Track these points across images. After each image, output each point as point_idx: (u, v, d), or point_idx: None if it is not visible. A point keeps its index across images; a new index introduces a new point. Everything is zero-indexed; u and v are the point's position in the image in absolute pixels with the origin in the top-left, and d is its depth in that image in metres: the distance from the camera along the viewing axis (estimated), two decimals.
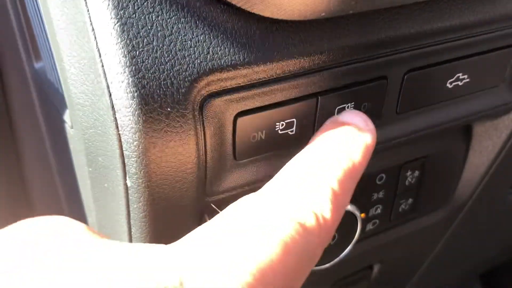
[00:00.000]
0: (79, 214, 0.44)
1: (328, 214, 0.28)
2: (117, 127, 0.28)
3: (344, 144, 0.31)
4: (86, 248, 0.23)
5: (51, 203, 0.57)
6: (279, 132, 0.34)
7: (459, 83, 0.41)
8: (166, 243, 0.32)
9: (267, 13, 0.29)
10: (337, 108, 0.36)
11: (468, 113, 0.44)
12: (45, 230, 0.24)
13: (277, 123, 0.34)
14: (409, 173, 0.48)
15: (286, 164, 0.31)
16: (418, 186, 0.49)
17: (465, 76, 0.41)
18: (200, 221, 0.37)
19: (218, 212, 0.27)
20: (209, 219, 0.27)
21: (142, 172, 0.29)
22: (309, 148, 0.32)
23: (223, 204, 0.37)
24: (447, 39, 0.38)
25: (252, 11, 0.29)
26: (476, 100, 0.44)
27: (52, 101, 0.43)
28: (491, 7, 0.38)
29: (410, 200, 0.50)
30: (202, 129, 0.31)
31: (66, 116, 0.38)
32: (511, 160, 0.54)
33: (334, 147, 0.31)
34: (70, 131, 0.38)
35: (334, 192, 0.29)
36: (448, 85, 0.41)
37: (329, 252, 0.44)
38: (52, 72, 0.40)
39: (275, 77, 0.32)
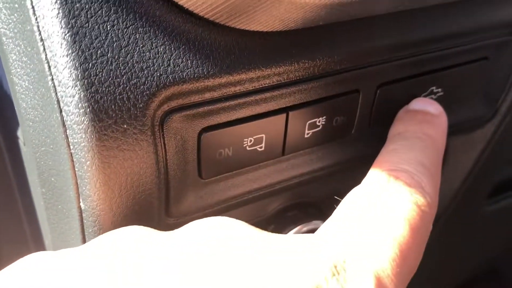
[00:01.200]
0: (38, 235, 0.41)
1: (429, 189, 0.30)
2: (68, 146, 0.26)
3: (427, 129, 0.33)
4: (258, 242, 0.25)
5: (12, 222, 0.54)
6: (247, 148, 0.33)
7: (433, 96, 0.40)
8: None
9: (236, 24, 0.28)
10: (308, 122, 0.34)
11: None
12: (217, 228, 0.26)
13: (245, 139, 0.32)
14: None
15: (378, 156, 0.33)
16: None
17: (439, 90, 0.40)
18: None
19: None
20: None
21: (96, 194, 0.27)
22: (396, 139, 0.33)
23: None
24: (420, 52, 0.37)
25: (220, 22, 0.28)
26: (450, 114, 0.43)
27: (7, 114, 0.40)
28: (464, 20, 0.38)
29: None
30: (163, 147, 0.28)
31: (19, 132, 0.35)
32: (486, 173, 0.53)
33: (421, 137, 0.33)
34: (23, 148, 0.35)
35: (428, 169, 0.31)
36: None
37: None
38: (6, 83, 0.37)
39: (241, 91, 0.30)
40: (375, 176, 0.31)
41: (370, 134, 0.39)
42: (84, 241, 0.30)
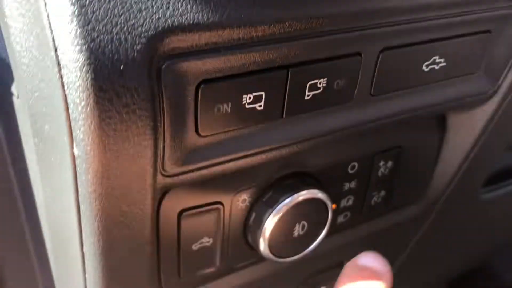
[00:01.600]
0: (30, 198, 0.40)
1: None
2: (62, 86, 0.25)
3: None
4: None
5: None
6: (246, 106, 0.32)
7: (435, 66, 0.40)
8: (117, 221, 0.29)
9: None
10: (309, 83, 0.34)
11: (444, 100, 0.42)
12: None
13: (244, 96, 0.31)
14: (382, 163, 0.46)
15: None
16: (391, 178, 0.47)
17: (442, 60, 0.40)
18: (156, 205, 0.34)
19: None
20: None
21: (90, 138, 0.26)
22: None
23: (182, 189, 0.34)
24: (425, 18, 0.36)
25: None
26: (452, 87, 0.42)
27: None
28: None
29: (383, 193, 0.48)
30: (160, 96, 0.28)
31: (13, 87, 0.35)
32: (484, 155, 0.53)
33: None
34: (16, 102, 0.34)
35: None
36: (424, 68, 0.39)
37: (299, 243, 0.42)
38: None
39: (242, 42, 0.29)
40: None
41: (372, 103, 0.38)
42: (76, 192, 0.29)
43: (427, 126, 0.48)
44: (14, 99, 0.35)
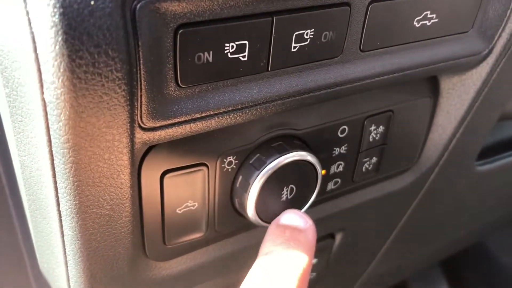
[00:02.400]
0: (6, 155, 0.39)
1: None
2: (29, 23, 0.24)
3: (293, 252, 0.34)
4: None
5: None
6: (229, 56, 0.30)
7: (427, 22, 0.38)
8: (94, 177, 0.28)
9: None
10: (295, 33, 0.32)
11: (435, 60, 0.41)
12: None
13: (226, 44, 0.30)
14: (373, 127, 0.44)
15: (244, 281, 0.33)
16: (383, 144, 0.46)
17: (433, 16, 0.38)
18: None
19: None
20: None
21: (60, 80, 0.24)
22: (262, 263, 0.34)
23: (165, 150, 0.33)
24: None
25: None
26: (444, 46, 0.41)
27: None
28: None
29: (374, 159, 0.47)
30: (135, 39, 0.26)
31: None
32: (478, 123, 0.51)
33: (285, 258, 0.34)
34: None
35: None
36: (415, 23, 0.38)
37: (288, 208, 0.40)
38: None
39: None
40: None
41: (361, 59, 0.37)
42: (49, 142, 0.27)
43: (419, 90, 0.46)
44: None
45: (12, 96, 0.29)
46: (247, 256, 0.46)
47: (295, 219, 0.37)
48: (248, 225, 0.43)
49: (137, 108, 0.28)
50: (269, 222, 0.40)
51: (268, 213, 0.39)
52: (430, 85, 0.47)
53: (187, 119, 0.31)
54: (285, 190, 0.39)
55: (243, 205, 0.39)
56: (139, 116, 0.29)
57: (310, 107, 0.40)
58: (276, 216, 0.40)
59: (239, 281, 0.35)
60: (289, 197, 0.40)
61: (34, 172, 0.32)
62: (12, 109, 0.30)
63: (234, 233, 0.44)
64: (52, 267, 0.39)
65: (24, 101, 0.28)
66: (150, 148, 0.34)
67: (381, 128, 0.45)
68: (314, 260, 0.53)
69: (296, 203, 0.41)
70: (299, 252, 0.34)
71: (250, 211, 0.38)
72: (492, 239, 1.16)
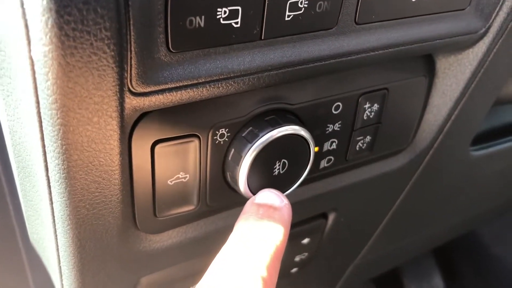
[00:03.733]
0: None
1: None
2: None
3: (267, 230, 0.34)
4: None
5: None
6: (222, 21, 0.30)
7: None
8: (83, 141, 0.27)
9: None
10: (289, 2, 0.32)
11: (431, 37, 0.40)
12: None
13: (218, 9, 0.29)
14: (367, 105, 0.44)
15: (214, 259, 0.33)
16: (377, 123, 0.46)
17: None
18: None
19: None
20: None
21: (48, 36, 0.24)
22: (235, 239, 0.34)
23: (156, 119, 0.32)
24: None
25: None
26: (440, 23, 0.41)
27: None
28: None
29: (368, 138, 0.47)
30: (125, 1, 0.26)
31: None
32: (474, 105, 0.51)
33: (258, 235, 0.34)
34: None
35: (264, 280, 0.31)
36: None
37: (280, 183, 0.40)
38: None
39: None
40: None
41: (356, 32, 0.36)
42: (37, 103, 0.27)
43: (415, 69, 0.46)
44: None
45: (1, 56, 0.28)
46: None
47: (270, 197, 0.37)
48: (240, 201, 0.43)
49: (127, 71, 0.28)
50: None
51: (259, 188, 0.39)
52: (425, 64, 0.47)
53: (177, 85, 0.31)
54: (277, 164, 0.39)
55: (235, 179, 0.39)
56: (128, 79, 0.28)
57: (304, 82, 0.39)
58: None
59: None
60: (281, 172, 0.40)
61: (23, 138, 0.32)
62: (1, 70, 0.29)
63: (225, 208, 0.43)
64: (41, 237, 0.39)
65: (13, 61, 0.28)
66: (142, 117, 0.33)
67: (375, 107, 0.45)
68: (306, 240, 0.53)
69: (288, 179, 0.41)
70: (272, 230, 0.34)
71: (242, 185, 0.38)
72: (485, 229, 1.16)
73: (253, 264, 0.32)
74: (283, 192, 0.41)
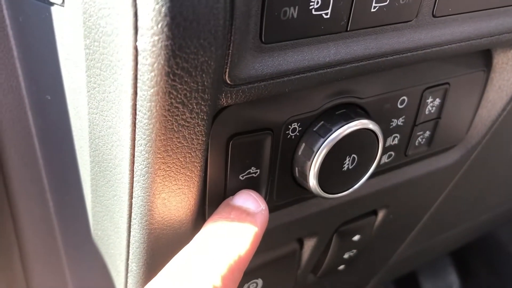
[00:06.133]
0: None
1: None
2: None
3: (232, 236, 0.32)
4: None
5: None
6: (313, 12, 0.29)
7: None
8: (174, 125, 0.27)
9: None
10: None
11: (497, 30, 0.40)
12: None
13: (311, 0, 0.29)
14: (430, 99, 0.44)
15: (173, 257, 0.31)
16: (437, 117, 0.45)
17: None
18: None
19: None
20: None
21: (159, 26, 0.23)
22: (197, 240, 0.32)
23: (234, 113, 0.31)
24: None
25: None
26: (503, 17, 0.40)
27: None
28: None
29: (428, 133, 0.46)
30: None
31: None
32: None
33: (221, 240, 0.31)
34: (59, 12, 0.31)
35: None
36: None
37: (348, 178, 0.40)
38: None
39: None
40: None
41: (433, 25, 0.36)
42: (135, 96, 0.26)
43: (474, 63, 0.46)
44: (54, 11, 0.32)
45: (93, 47, 0.28)
46: (296, 229, 0.46)
47: (247, 200, 0.35)
48: (305, 197, 0.42)
49: (226, 63, 0.27)
50: (329, 193, 0.39)
51: (329, 183, 0.39)
52: (483, 58, 0.46)
53: (266, 78, 0.30)
54: (347, 159, 0.39)
55: (304, 174, 0.38)
56: (226, 72, 0.28)
57: (373, 75, 0.39)
58: (336, 187, 0.40)
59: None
60: (350, 166, 0.39)
61: (104, 131, 0.31)
62: (90, 62, 0.28)
63: (289, 204, 0.43)
64: (108, 234, 0.38)
65: (107, 52, 0.27)
66: (219, 112, 0.33)
67: (437, 101, 0.44)
68: (357, 237, 0.53)
69: (355, 174, 0.40)
70: (238, 238, 0.32)
71: (312, 180, 0.38)
72: (501, 228, 1.16)
73: (208, 271, 0.30)
74: (350, 187, 0.41)
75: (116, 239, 0.37)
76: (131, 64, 0.25)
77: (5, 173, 0.55)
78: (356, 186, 0.41)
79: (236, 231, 0.33)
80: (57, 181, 0.51)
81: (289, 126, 0.36)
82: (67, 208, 0.50)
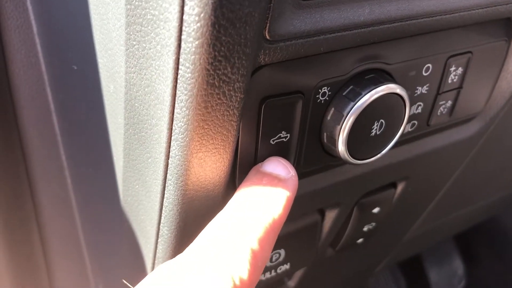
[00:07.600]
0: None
1: (245, 275, 0.29)
2: None
3: (266, 200, 0.32)
4: None
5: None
6: None
7: None
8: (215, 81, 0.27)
9: None
10: None
11: None
12: None
13: None
14: (453, 68, 0.44)
15: (209, 223, 0.32)
16: (459, 87, 0.46)
17: None
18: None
19: None
20: None
21: None
22: (231, 205, 0.33)
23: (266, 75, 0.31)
24: None
25: None
26: None
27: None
28: None
29: (449, 103, 0.46)
30: None
31: None
32: None
33: (256, 204, 0.32)
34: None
35: (253, 252, 0.30)
36: None
37: (375, 143, 0.40)
38: None
39: None
40: (192, 254, 0.30)
41: None
42: (178, 49, 0.26)
43: (496, 32, 0.46)
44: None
45: (134, 3, 0.28)
46: (319, 199, 0.46)
47: (277, 167, 0.35)
48: (331, 164, 0.43)
49: (268, 18, 0.27)
50: (357, 159, 0.40)
51: (357, 148, 0.39)
52: (506, 27, 0.47)
53: (304, 35, 0.30)
54: (375, 124, 0.39)
55: (333, 139, 0.38)
56: (266, 27, 0.28)
57: (401, 42, 0.39)
58: (364, 152, 0.40)
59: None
60: (378, 132, 0.39)
61: (142, 90, 0.31)
62: (130, 18, 0.29)
63: (313, 173, 0.43)
64: (139, 199, 0.38)
65: (150, 6, 0.27)
66: (254, 72, 0.33)
67: (459, 70, 0.45)
68: (376, 209, 0.53)
69: (383, 140, 0.41)
70: (272, 202, 0.32)
71: (341, 144, 0.38)
72: (507, 214, 1.17)
73: (245, 234, 0.30)
74: (377, 153, 0.41)
75: (148, 203, 0.37)
76: (176, 15, 0.25)
77: (24, 148, 0.56)
78: (383, 152, 0.41)
79: (269, 196, 0.33)
80: (77, 155, 0.51)
81: (319, 90, 0.37)
82: (88, 182, 0.50)
